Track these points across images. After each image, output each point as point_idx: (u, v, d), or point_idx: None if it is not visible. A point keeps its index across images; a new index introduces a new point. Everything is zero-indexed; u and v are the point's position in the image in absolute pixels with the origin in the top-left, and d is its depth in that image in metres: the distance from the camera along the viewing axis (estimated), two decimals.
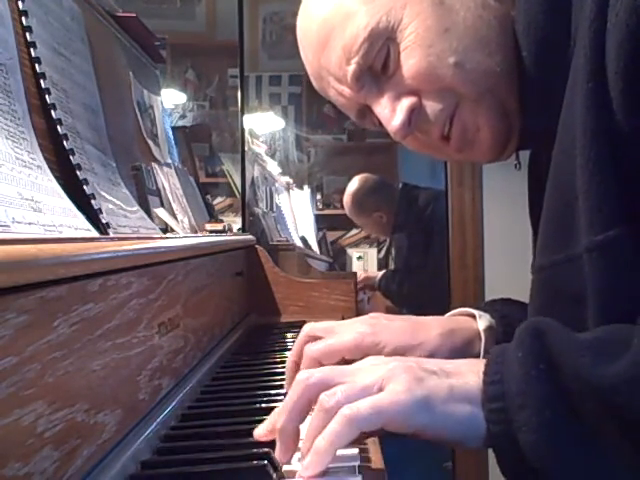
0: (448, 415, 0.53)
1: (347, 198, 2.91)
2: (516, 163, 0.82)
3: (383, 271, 2.89)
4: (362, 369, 0.57)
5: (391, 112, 0.71)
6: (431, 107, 0.71)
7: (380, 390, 0.54)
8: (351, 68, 0.71)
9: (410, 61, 0.69)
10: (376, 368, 0.56)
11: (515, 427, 0.51)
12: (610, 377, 0.49)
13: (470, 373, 0.55)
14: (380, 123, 0.76)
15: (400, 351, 0.69)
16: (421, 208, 2.80)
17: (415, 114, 0.71)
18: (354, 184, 2.90)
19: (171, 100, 2.92)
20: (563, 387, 0.50)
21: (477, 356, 0.75)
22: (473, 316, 0.78)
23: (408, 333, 0.72)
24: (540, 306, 0.67)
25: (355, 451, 0.57)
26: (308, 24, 0.76)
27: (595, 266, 0.57)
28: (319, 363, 0.67)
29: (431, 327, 0.74)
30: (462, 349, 0.73)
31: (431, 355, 0.71)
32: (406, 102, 0.71)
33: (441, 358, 0.70)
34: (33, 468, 0.41)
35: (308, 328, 0.74)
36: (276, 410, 0.58)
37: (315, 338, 0.73)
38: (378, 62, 0.71)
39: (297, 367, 0.72)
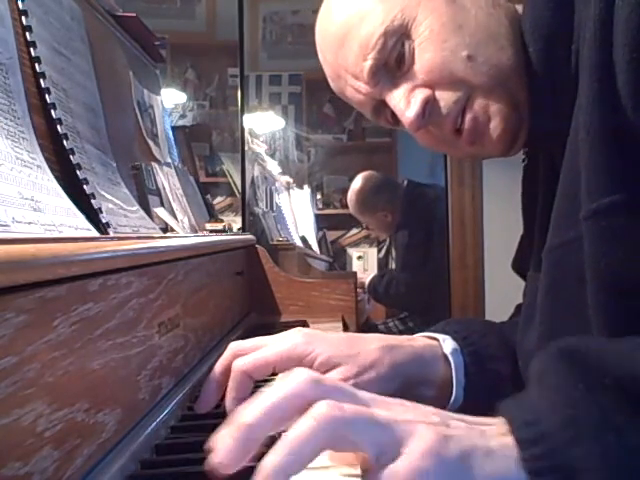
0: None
1: (351, 196, 2.88)
2: (524, 158, 0.84)
3: (371, 276, 2.85)
4: (384, 403, 0.46)
5: (406, 104, 0.74)
6: (444, 99, 0.73)
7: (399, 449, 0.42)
8: (367, 64, 0.74)
9: (425, 55, 0.72)
10: (396, 408, 0.45)
11: (570, 471, 0.40)
12: None
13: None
14: (394, 120, 0.78)
15: (335, 361, 0.66)
16: (426, 205, 2.78)
17: (429, 106, 0.73)
18: (358, 182, 2.88)
19: (171, 100, 2.92)
20: (615, 393, 0.42)
21: (429, 376, 0.72)
22: (436, 339, 0.76)
23: (345, 344, 0.69)
24: (549, 287, 0.68)
25: None
26: (326, 27, 0.79)
27: (589, 233, 0.58)
28: (249, 377, 0.62)
29: (370, 341, 0.71)
30: (405, 365, 0.70)
31: (369, 367, 0.67)
32: (420, 94, 0.73)
33: (380, 371, 0.67)
34: (33, 468, 0.41)
35: (234, 345, 0.67)
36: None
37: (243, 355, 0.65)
38: (393, 58, 0.73)
39: (220, 386, 0.65)
